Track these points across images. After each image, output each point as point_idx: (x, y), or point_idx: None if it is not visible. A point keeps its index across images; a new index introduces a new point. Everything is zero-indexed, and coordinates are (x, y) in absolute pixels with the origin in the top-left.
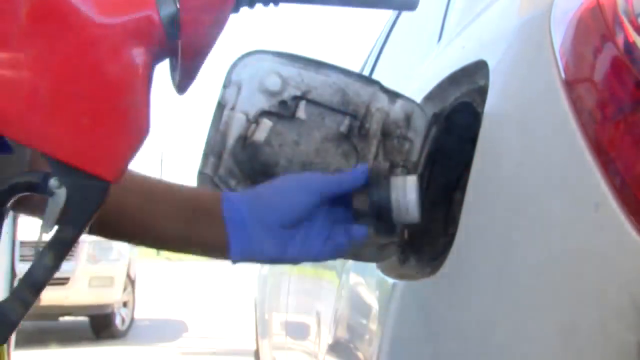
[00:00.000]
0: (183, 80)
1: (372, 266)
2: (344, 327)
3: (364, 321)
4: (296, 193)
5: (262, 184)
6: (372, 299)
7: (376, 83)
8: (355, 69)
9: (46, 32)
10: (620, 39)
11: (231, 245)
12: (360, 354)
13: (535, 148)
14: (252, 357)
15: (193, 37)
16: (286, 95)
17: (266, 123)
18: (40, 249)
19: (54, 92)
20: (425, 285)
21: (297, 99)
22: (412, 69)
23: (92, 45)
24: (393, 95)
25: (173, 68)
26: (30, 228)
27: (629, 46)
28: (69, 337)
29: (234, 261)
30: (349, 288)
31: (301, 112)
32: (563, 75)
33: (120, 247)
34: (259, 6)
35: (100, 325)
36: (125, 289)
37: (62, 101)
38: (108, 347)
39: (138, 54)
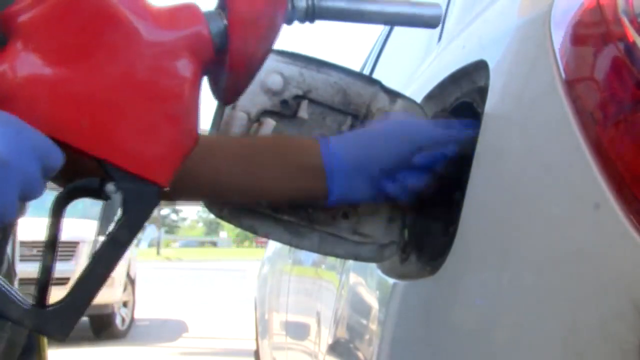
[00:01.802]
0: (231, 91)
1: (372, 266)
2: (344, 327)
3: (364, 321)
4: (398, 141)
5: (361, 127)
6: (372, 299)
7: (377, 83)
8: (356, 69)
9: (106, 46)
10: (620, 39)
11: (330, 191)
12: (360, 354)
13: (535, 148)
14: (252, 357)
15: (242, 51)
16: (287, 95)
17: (270, 122)
18: (94, 252)
19: (114, 102)
20: (425, 285)
21: (298, 98)
22: (412, 69)
23: (148, 59)
24: (394, 95)
25: (217, 78)
26: (31, 228)
27: (629, 46)
28: (68, 337)
29: (330, 206)
30: (349, 288)
31: (303, 112)
32: (563, 75)
33: None
34: (295, 23)
35: (100, 325)
36: (125, 289)
37: (121, 111)
38: (108, 347)
39: (190, 67)
